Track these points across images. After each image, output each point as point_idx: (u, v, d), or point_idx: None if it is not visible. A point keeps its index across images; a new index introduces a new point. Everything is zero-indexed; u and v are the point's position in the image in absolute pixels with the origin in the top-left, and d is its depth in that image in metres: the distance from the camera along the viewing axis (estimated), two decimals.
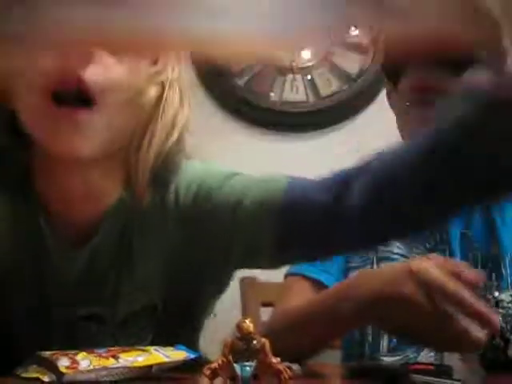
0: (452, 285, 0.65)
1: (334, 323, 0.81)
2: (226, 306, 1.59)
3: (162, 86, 0.71)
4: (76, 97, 0.62)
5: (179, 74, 0.75)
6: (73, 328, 0.71)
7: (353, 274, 1.05)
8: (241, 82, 1.78)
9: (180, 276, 0.73)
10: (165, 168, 0.73)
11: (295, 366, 0.65)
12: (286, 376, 0.60)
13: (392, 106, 1.07)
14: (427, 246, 1.03)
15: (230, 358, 0.58)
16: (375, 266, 1.04)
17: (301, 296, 1.01)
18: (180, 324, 0.76)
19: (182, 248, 0.72)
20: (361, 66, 1.79)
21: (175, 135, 0.75)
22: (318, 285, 1.02)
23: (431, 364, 0.56)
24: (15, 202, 0.70)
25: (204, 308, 0.84)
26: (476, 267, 1.02)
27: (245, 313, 1.52)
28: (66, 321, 0.71)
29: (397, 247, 1.04)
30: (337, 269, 1.05)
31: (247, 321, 0.59)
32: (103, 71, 0.63)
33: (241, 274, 1.59)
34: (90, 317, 0.71)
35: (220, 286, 0.82)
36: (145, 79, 0.68)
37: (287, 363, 0.64)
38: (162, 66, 0.71)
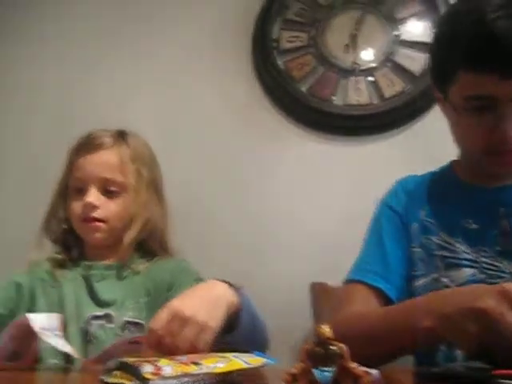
0: None
1: (413, 336, 0.80)
2: (296, 310, 1.61)
3: None
4: None
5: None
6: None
7: (419, 282, 1.03)
8: (304, 87, 1.78)
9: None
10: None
11: (374, 371, 0.65)
12: (366, 381, 0.60)
13: (444, 113, 1.05)
14: (496, 249, 1.00)
15: (309, 363, 0.58)
16: (443, 273, 1.02)
17: (362, 303, 1.00)
18: None
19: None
20: (424, 64, 1.75)
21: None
22: (378, 292, 1.02)
23: None
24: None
25: None
26: None
27: (315, 317, 1.52)
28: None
29: (464, 252, 1.01)
30: (398, 278, 1.04)
31: (324, 326, 0.60)
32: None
33: (311, 279, 1.61)
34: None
35: None
36: None
37: (366, 368, 0.64)
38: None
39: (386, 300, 1.01)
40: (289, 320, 1.56)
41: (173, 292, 1.12)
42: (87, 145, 1.20)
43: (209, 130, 1.83)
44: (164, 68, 1.87)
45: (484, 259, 0.99)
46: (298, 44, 1.82)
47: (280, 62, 1.80)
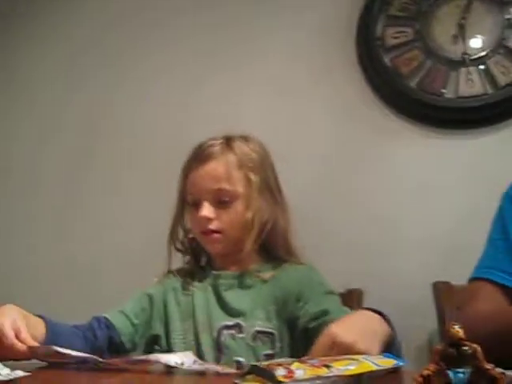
0: None
1: None
2: (421, 311, 1.58)
3: None
4: None
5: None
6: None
7: None
8: (412, 83, 1.75)
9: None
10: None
11: (510, 373, 0.63)
12: (503, 382, 0.58)
13: None
14: None
15: (442, 364, 0.58)
16: None
17: (490, 300, 0.97)
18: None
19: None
20: None
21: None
22: (505, 289, 0.98)
23: None
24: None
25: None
26: None
27: (439, 317, 1.49)
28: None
29: None
30: None
31: (456, 327, 0.59)
32: None
33: (433, 278, 1.57)
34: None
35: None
36: None
37: (501, 369, 0.62)
38: None
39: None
40: (412, 320, 1.54)
41: (302, 304, 1.12)
42: (197, 156, 1.22)
43: (320, 133, 1.84)
44: (272, 74, 1.90)
45: None
46: (404, 39, 1.78)
47: (386, 60, 1.77)
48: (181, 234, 1.26)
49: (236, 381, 0.69)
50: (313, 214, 1.76)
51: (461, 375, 0.56)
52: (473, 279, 1.04)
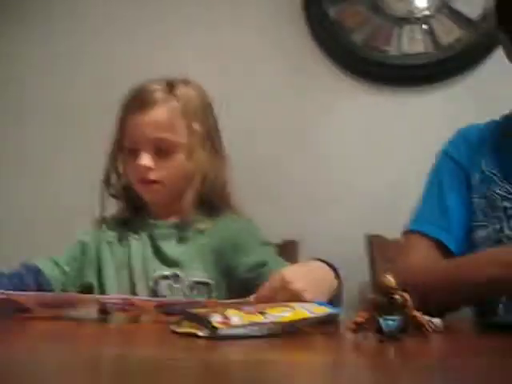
0: None
1: (476, 285, 0.80)
2: (354, 263, 1.62)
3: None
4: None
5: None
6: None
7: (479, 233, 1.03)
8: (357, 38, 1.75)
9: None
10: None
11: (436, 320, 0.66)
12: (429, 329, 0.61)
13: (509, 55, 1.02)
14: None
15: (374, 312, 0.60)
16: (505, 224, 1.01)
17: (423, 254, 1.00)
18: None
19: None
20: (483, 8, 1.69)
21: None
22: (438, 243, 1.02)
23: None
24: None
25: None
26: None
27: (371, 269, 1.53)
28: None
29: None
30: (459, 229, 1.03)
31: (388, 276, 0.61)
32: None
33: (366, 230, 1.62)
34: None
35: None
36: None
37: (428, 317, 0.65)
38: None
39: (447, 251, 1.01)
40: (344, 271, 1.58)
41: (239, 255, 1.12)
42: (137, 101, 1.16)
43: (265, 87, 1.83)
44: (218, 31, 1.86)
45: None
46: None
47: (332, 13, 1.76)
48: (115, 179, 1.22)
49: (172, 327, 0.70)
50: (255, 165, 1.76)
51: (391, 322, 0.58)
52: (408, 232, 1.07)
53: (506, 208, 1.01)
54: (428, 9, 1.73)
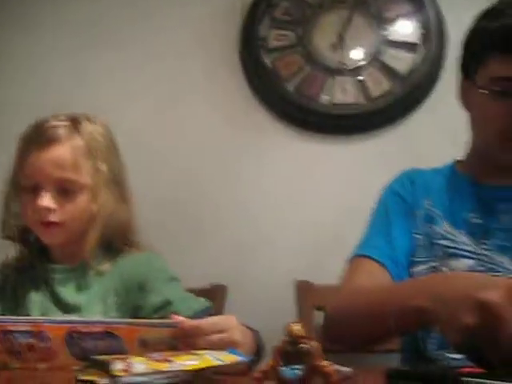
0: None
1: (403, 314, 0.79)
2: (283, 309, 1.61)
3: None
4: None
5: None
6: None
7: (418, 269, 1.04)
8: (291, 86, 1.79)
9: None
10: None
11: (346, 369, 0.65)
12: (335, 379, 0.60)
13: (467, 103, 1.07)
14: (497, 242, 1.02)
15: (279, 361, 0.59)
16: (442, 262, 1.03)
17: (368, 276, 1.01)
18: None
19: None
20: (412, 64, 1.76)
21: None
22: (383, 269, 1.02)
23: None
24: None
25: None
26: None
27: (299, 316, 1.53)
28: None
29: (465, 244, 1.03)
30: (402, 258, 1.05)
31: (297, 324, 0.60)
32: None
33: (296, 277, 1.62)
34: None
35: None
36: None
37: (338, 366, 0.64)
38: None
39: (389, 278, 1.02)
40: (273, 318, 1.56)
41: (144, 292, 1.07)
42: (38, 137, 1.08)
43: (197, 129, 1.84)
44: (156, 72, 1.87)
45: (484, 252, 1.01)
46: (286, 43, 1.82)
47: (267, 61, 1.80)
48: (11, 220, 1.13)
49: (76, 374, 0.67)
50: (183, 208, 1.75)
51: (292, 372, 0.57)
52: (354, 257, 1.07)
53: (444, 246, 1.04)
54: (360, 61, 1.79)
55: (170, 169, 1.80)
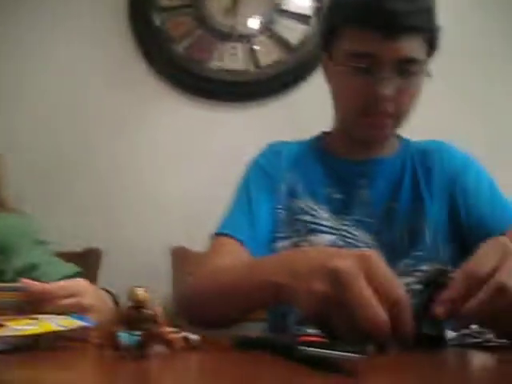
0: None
1: (262, 292, 0.78)
2: (159, 275, 1.59)
3: None
4: None
5: None
6: None
7: (280, 244, 1.05)
8: (181, 48, 1.74)
9: None
10: None
11: (194, 336, 0.64)
12: (178, 346, 0.59)
13: (327, 77, 1.06)
14: (356, 217, 1.03)
15: (120, 326, 0.56)
16: (303, 238, 1.04)
17: (230, 256, 0.99)
18: None
19: None
20: (303, 35, 1.77)
21: None
22: (244, 248, 1.01)
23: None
24: None
25: None
26: (402, 239, 1.04)
27: (175, 282, 1.51)
28: None
29: (326, 219, 1.04)
30: (263, 237, 1.05)
31: (139, 289, 0.58)
32: None
33: (171, 243, 1.59)
34: None
35: None
36: None
37: (187, 333, 0.63)
38: None
39: (250, 257, 1.01)
40: (149, 283, 1.54)
41: (9, 256, 1.01)
42: None
43: (81, 88, 1.75)
44: (37, 23, 1.76)
45: (344, 227, 1.02)
46: (178, 3, 1.76)
47: (157, 21, 1.73)
48: None
49: None
50: (58, 170, 1.68)
51: (130, 337, 0.55)
52: (215, 235, 1.05)
53: (305, 222, 1.04)
54: (252, 29, 1.77)
55: (53, 131, 1.72)
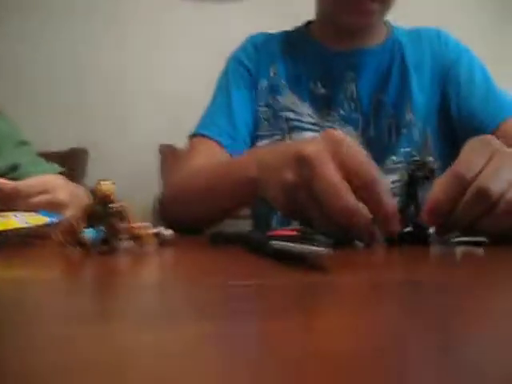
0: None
1: (241, 189, 0.75)
2: (147, 173, 1.57)
3: None
4: None
5: None
6: None
7: (262, 143, 1.02)
8: None
9: None
10: None
11: (167, 232, 0.61)
12: (147, 242, 0.56)
13: None
14: (341, 113, 0.99)
15: (83, 222, 0.54)
16: (287, 136, 1.01)
17: (208, 156, 0.96)
18: None
19: None
20: None
21: None
22: (223, 148, 0.98)
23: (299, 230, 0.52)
24: None
25: None
26: (389, 135, 1.00)
27: (163, 179, 1.49)
28: None
29: (309, 116, 1.00)
30: (243, 136, 1.02)
31: (106, 182, 0.55)
32: None
33: (159, 140, 1.56)
34: None
35: None
36: None
37: (159, 229, 0.61)
38: None
39: (229, 157, 0.98)
40: (138, 182, 1.52)
41: None
42: None
43: None
44: None
45: (328, 124, 0.99)
46: None
47: None
48: None
49: None
50: (43, 68, 1.62)
51: (93, 233, 0.52)
52: (192, 135, 1.02)
53: (288, 119, 1.01)
54: None
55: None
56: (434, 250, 0.55)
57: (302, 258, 0.40)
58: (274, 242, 0.46)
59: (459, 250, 0.55)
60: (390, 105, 1.01)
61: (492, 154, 0.55)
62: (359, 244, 0.56)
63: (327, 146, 0.53)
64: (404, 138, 1.00)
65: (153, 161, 1.52)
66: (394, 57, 1.03)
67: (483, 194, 0.53)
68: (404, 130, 1.00)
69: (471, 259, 0.48)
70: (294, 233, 0.54)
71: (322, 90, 1.01)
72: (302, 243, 0.43)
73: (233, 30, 1.66)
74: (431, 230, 0.59)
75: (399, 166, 0.99)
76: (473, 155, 0.55)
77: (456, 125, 0.99)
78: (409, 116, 1.01)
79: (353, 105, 1.01)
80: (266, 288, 0.31)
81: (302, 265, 0.40)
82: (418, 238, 0.58)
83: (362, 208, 0.52)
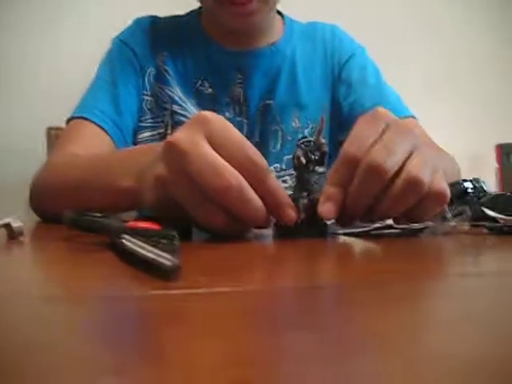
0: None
1: (115, 196, 0.65)
2: (33, 157, 1.46)
3: None
4: None
5: None
6: None
7: (144, 135, 0.95)
8: None
9: None
10: None
11: (16, 224, 0.53)
12: None
13: None
14: (226, 115, 0.95)
15: None
16: (169, 130, 0.95)
17: (88, 142, 0.87)
18: None
19: None
20: None
21: None
22: (105, 134, 0.90)
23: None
24: None
25: None
26: (275, 140, 0.97)
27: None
28: None
29: (193, 114, 0.94)
30: (127, 123, 0.95)
31: None
32: None
33: (47, 123, 1.46)
34: None
35: None
36: None
37: (8, 220, 0.53)
38: None
39: (111, 145, 0.90)
40: (25, 168, 1.42)
41: None
42: None
43: None
44: None
45: None
46: None
47: None
48: None
49: None
50: None
51: None
52: (73, 118, 0.92)
53: (173, 112, 0.94)
54: None
55: None
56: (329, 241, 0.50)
57: (146, 263, 0.34)
58: (126, 238, 0.40)
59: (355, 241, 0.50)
60: (277, 110, 0.98)
61: (386, 127, 0.49)
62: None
63: (195, 126, 0.46)
64: (289, 146, 0.97)
65: (42, 144, 1.42)
66: (285, 58, 0.99)
67: (376, 171, 0.46)
68: (289, 138, 0.97)
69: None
70: (157, 226, 0.48)
71: (209, 90, 0.97)
72: (153, 244, 0.37)
73: (118, 12, 1.59)
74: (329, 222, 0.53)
75: (282, 173, 0.96)
76: (363, 130, 0.49)
77: (348, 125, 0.96)
78: (295, 124, 0.98)
79: (238, 109, 0.97)
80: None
81: (146, 271, 0.33)
82: (316, 230, 0.52)
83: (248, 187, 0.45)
